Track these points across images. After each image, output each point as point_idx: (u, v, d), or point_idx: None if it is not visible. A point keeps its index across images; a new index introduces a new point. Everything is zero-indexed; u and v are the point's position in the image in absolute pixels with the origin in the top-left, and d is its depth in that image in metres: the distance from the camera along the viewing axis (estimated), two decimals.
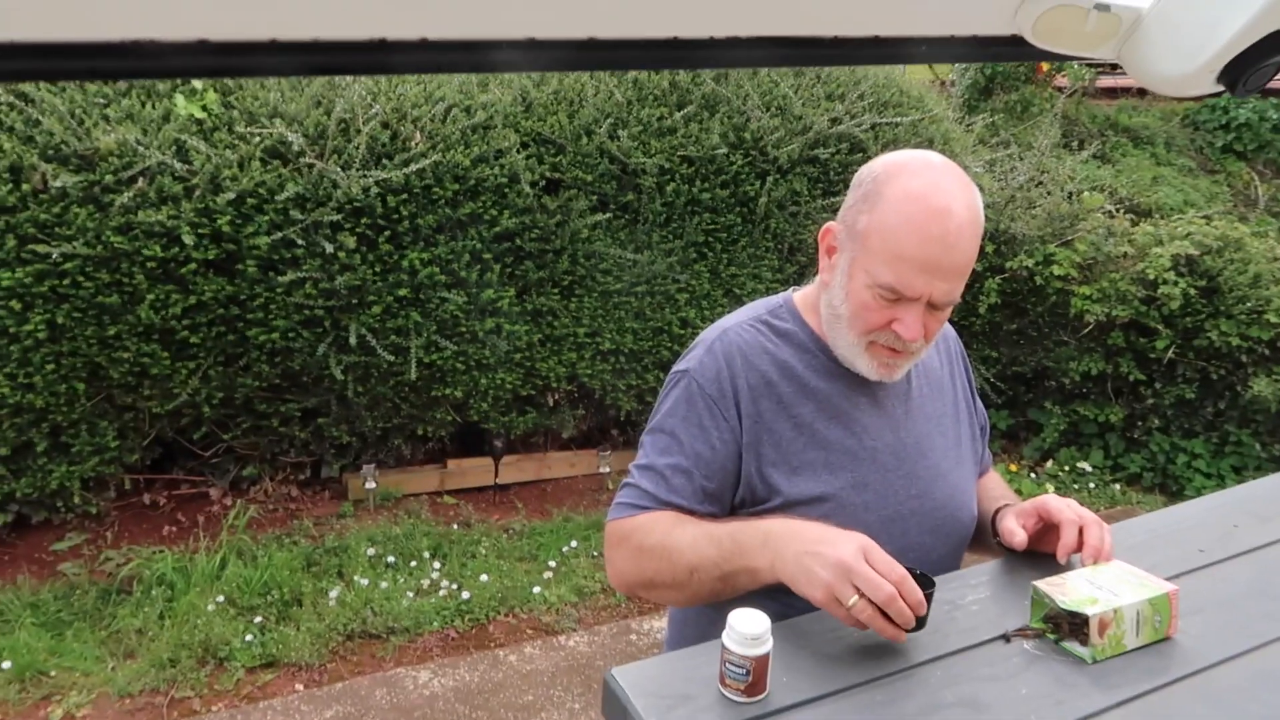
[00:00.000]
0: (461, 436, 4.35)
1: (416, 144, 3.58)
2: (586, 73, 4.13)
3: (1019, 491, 4.53)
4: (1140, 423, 4.84)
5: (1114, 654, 1.16)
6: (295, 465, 4.09)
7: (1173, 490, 4.66)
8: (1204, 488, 4.55)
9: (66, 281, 3.14)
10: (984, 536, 1.49)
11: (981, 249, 4.92)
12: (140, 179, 3.22)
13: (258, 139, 3.39)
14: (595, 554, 3.82)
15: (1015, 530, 1.35)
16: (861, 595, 1.10)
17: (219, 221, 3.26)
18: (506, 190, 3.73)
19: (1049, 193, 5.06)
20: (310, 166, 3.42)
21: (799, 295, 1.45)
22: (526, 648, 3.21)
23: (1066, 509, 1.33)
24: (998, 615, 1.24)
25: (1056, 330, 4.86)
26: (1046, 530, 1.36)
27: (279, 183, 3.35)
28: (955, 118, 5.53)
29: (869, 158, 4.73)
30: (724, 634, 1.05)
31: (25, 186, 3.07)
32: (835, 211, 1.36)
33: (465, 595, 3.44)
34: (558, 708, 2.91)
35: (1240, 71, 0.64)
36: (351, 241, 3.44)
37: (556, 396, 4.34)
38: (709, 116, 4.17)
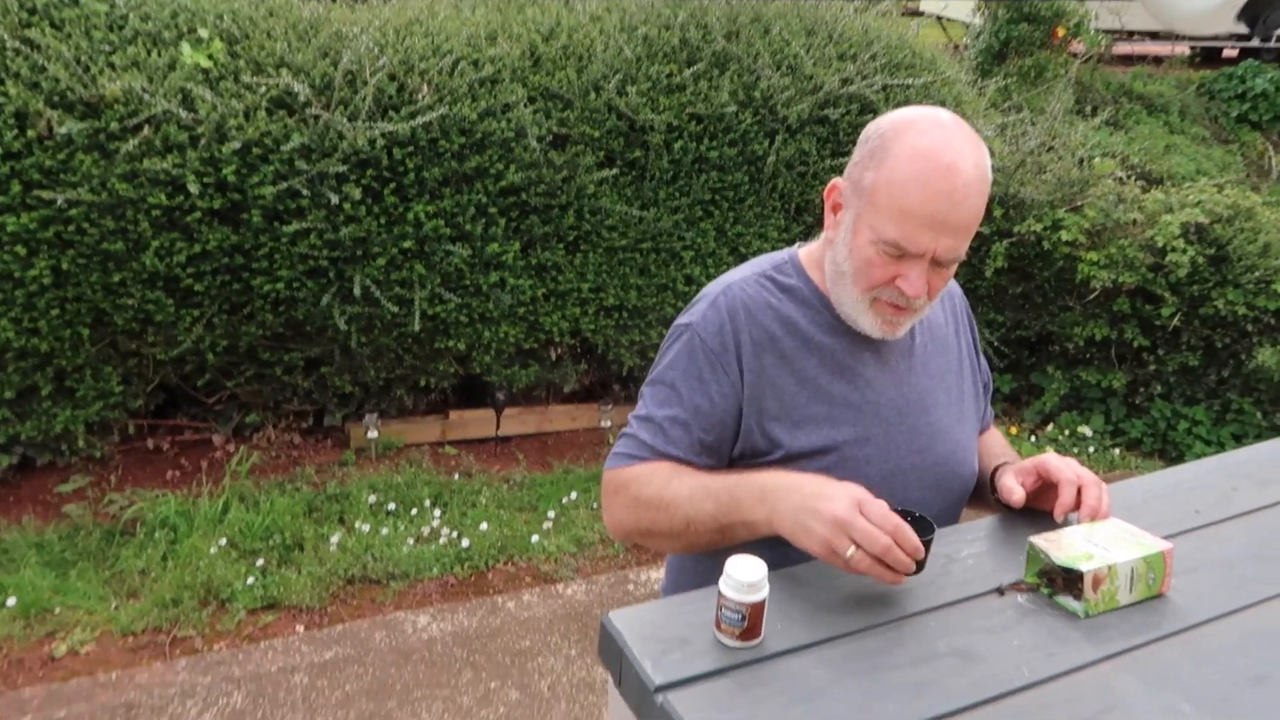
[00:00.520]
0: (464, 388, 4.37)
1: (423, 97, 3.55)
2: (596, 28, 4.08)
3: (1018, 454, 4.55)
4: (1142, 389, 4.84)
5: (1106, 609, 1.17)
6: (298, 413, 4.11)
7: (1172, 456, 4.67)
8: (1204, 454, 4.55)
9: (71, 228, 3.14)
10: (983, 493, 1.50)
11: (990, 213, 4.88)
12: (146, 127, 3.20)
13: (264, 89, 3.36)
14: (595, 506, 3.85)
15: (1014, 488, 1.36)
16: (858, 547, 1.11)
17: (224, 171, 3.24)
18: (513, 145, 3.71)
19: (1060, 158, 5.02)
20: (316, 118, 3.39)
21: (804, 251, 1.45)
22: (525, 595, 3.25)
23: (1065, 468, 1.34)
24: (993, 570, 1.25)
25: (1062, 295, 4.85)
26: (1045, 489, 1.37)
27: (285, 133, 3.32)
28: (968, 81, 5.47)
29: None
30: (721, 580, 1.07)
31: (30, 132, 3.05)
32: (843, 171, 1.36)
33: (465, 543, 3.47)
34: (555, 653, 2.95)
35: (1260, 9, 0.62)
36: (357, 193, 3.42)
37: (559, 351, 4.34)
38: (719, 74, 4.12)
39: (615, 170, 3.94)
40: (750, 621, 1.06)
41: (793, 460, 1.32)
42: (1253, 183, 8.64)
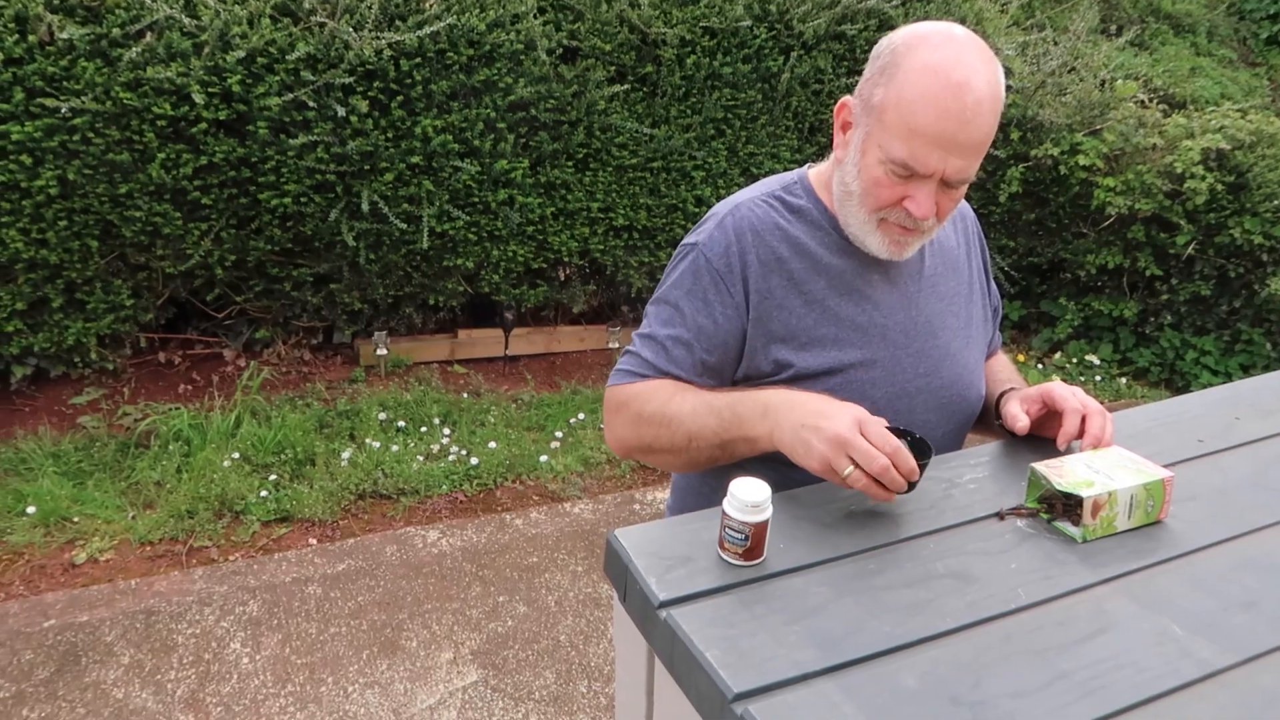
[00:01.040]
0: (472, 307, 4.37)
1: (430, 5, 3.47)
2: None
3: (1026, 380, 4.56)
4: (1153, 318, 4.82)
5: (1104, 535, 1.19)
6: (307, 330, 4.13)
7: (1179, 386, 4.68)
8: (1211, 384, 4.57)
9: (76, 137, 3.11)
10: (987, 418, 1.50)
11: (1006, 135, 4.79)
12: (148, 33, 3.15)
13: None
14: (602, 426, 3.88)
15: (1019, 415, 1.37)
16: (856, 466, 1.12)
17: (229, 80, 3.20)
18: (522, 57, 3.63)
19: (1081, 79, 4.90)
20: (321, 26, 3.32)
21: (814, 172, 1.43)
22: (532, 513, 3.31)
23: (1071, 397, 1.34)
24: (994, 494, 1.26)
25: (1076, 222, 4.79)
26: (1050, 416, 1.37)
27: (289, 42, 3.26)
28: None
29: None
30: (725, 500, 1.08)
31: (31, 38, 3.00)
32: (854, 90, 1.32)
33: (474, 461, 3.52)
34: (561, 570, 3.02)
35: None
36: (364, 105, 3.37)
37: (568, 271, 4.33)
38: None
39: (626, 86, 3.87)
40: (753, 541, 1.08)
41: (800, 380, 1.33)
42: (1278, 108, 8.44)
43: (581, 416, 3.92)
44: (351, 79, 3.33)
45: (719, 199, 1.45)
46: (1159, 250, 4.61)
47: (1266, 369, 4.63)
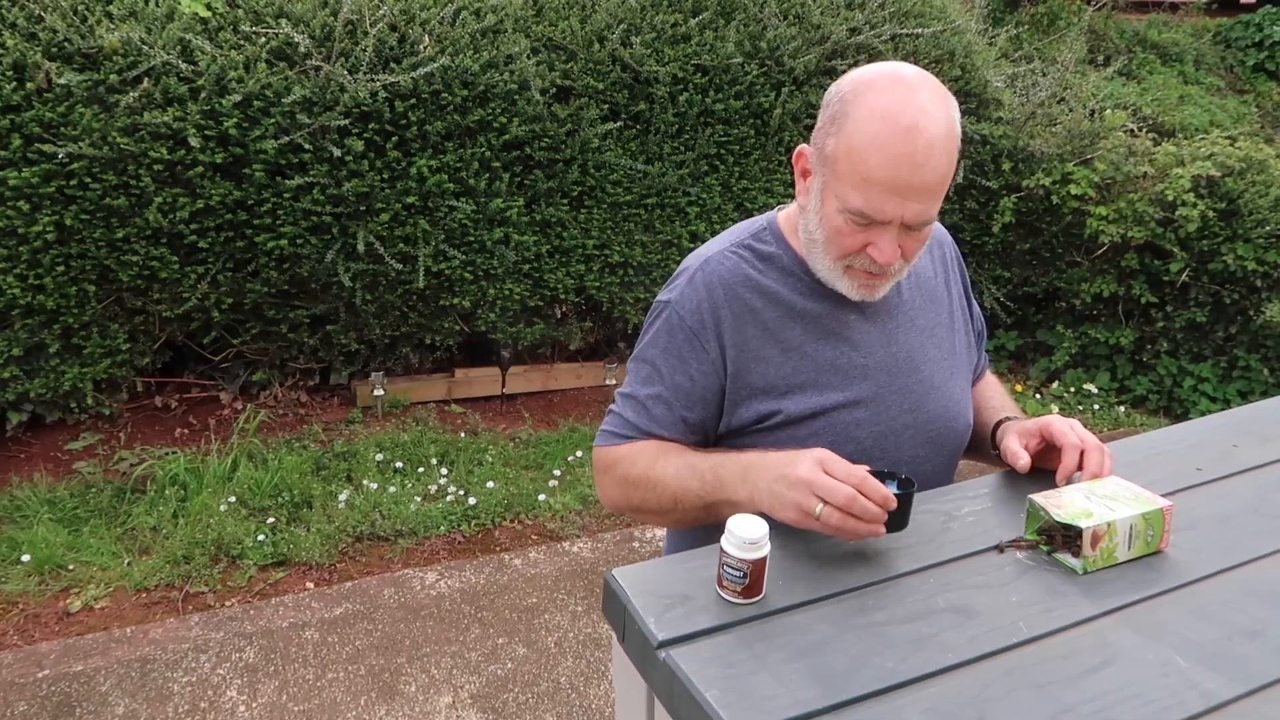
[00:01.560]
0: (469, 346, 4.38)
1: (425, 48, 3.51)
2: None
3: (1023, 410, 4.55)
4: (1149, 346, 4.83)
5: (1105, 566, 1.18)
6: (304, 371, 4.13)
7: (1177, 413, 4.67)
8: (1209, 411, 4.56)
9: (74, 183, 3.13)
10: (981, 446, 1.49)
11: (998, 166, 4.81)
12: (145, 79, 3.18)
13: (263, 40, 3.33)
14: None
15: (1020, 453, 1.35)
16: (826, 503, 1.12)
17: (225, 124, 3.22)
18: (516, 97, 3.67)
19: (1070, 110, 4.95)
20: (317, 69, 3.36)
21: (783, 215, 1.42)
22: (531, 552, 3.28)
23: (1069, 431, 1.33)
24: (993, 527, 1.25)
25: (1070, 251, 4.82)
26: (1048, 449, 1.36)
27: (285, 85, 3.29)
28: (978, 29, 5.38)
29: None
30: (723, 538, 1.07)
31: (29, 85, 3.03)
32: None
33: (472, 501, 3.50)
34: (561, 610, 2.99)
35: None
36: (359, 146, 3.40)
37: (564, 308, 4.34)
38: (724, 24, 4.06)
39: (619, 124, 3.91)
40: (752, 578, 1.07)
41: (787, 426, 1.32)
42: (1267, 134, 8.52)
43: (579, 454, 3.91)
44: (347, 121, 3.36)
45: (713, 234, 1.46)
46: (1153, 278, 4.63)
47: (1264, 395, 4.63)
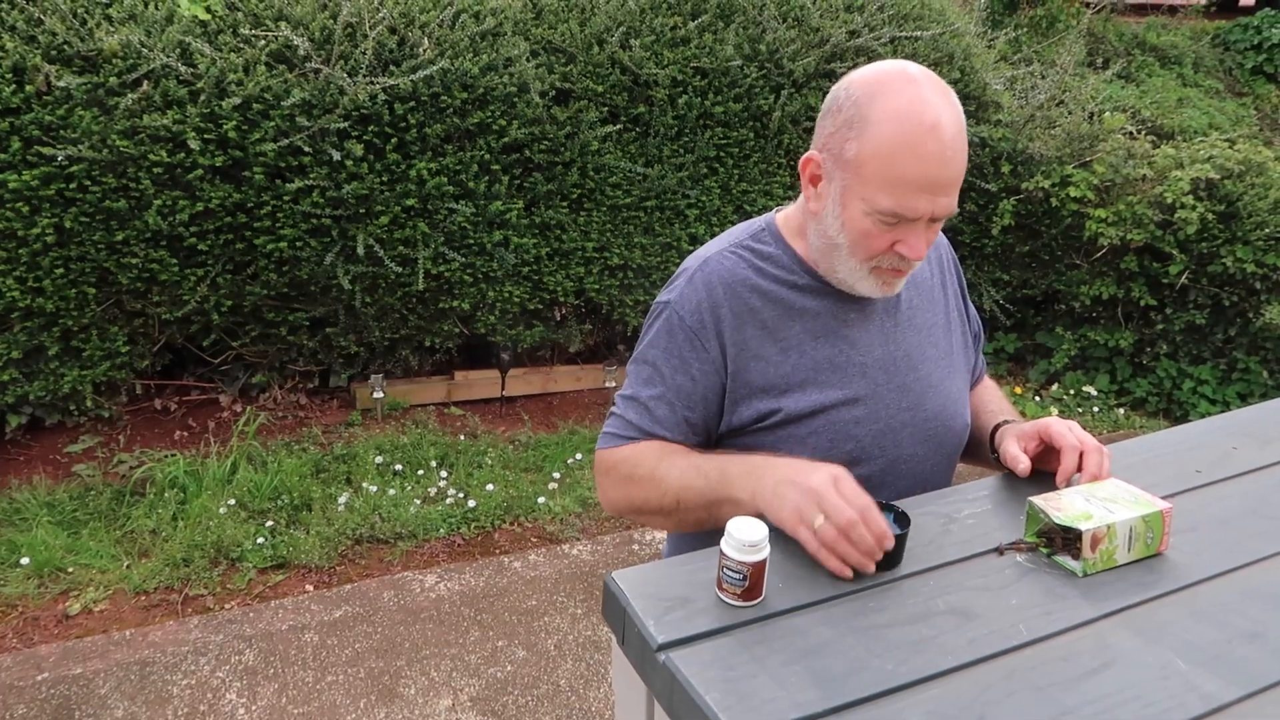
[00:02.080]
0: (469, 349, 4.38)
1: (424, 50, 3.51)
2: None
3: (1023, 413, 4.55)
4: (1149, 348, 4.83)
5: (1105, 568, 1.18)
6: (304, 374, 4.12)
7: (1177, 416, 4.68)
8: (1209, 414, 4.56)
9: (73, 185, 3.13)
10: (980, 450, 1.50)
11: (998, 169, 4.81)
12: (145, 82, 3.18)
13: (263, 43, 3.33)
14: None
15: (1019, 457, 1.35)
16: (827, 519, 1.12)
17: (225, 127, 3.22)
18: (516, 100, 3.67)
19: (1070, 112, 4.95)
20: (316, 72, 3.36)
21: (781, 216, 1.43)
22: (531, 555, 3.28)
23: (1068, 433, 1.33)
24: (993, 529, 1.25)
25: (1069, 253, 4.82)
26: (1047, 451, 1.37)
27: (285, 88, 3.30)
28: (977, 32, 5.38)
29: None
30: (723, 540, 1.07)
31: (29, 88, 3.03)
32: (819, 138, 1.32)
33: (471, 504, 3.50)
34: (560, 612, 2.99)
35: None
36: (359, 149, 3.40)
37: (564, 311, 4.34)
38: (723, 27, 4.07)
39: (619, 126, 3.91)
40: (751, 581, 1.07)
41: (787, 425, 1.33)
42: (1266, 136, 8.53)
43: (579, 456, 3.91)
44: (346, 123, 3.36)
45: (713, 236, 1.47)
46: (1152, 280, 4.63)
47: (1264, 397, 4.63)
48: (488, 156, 3.68)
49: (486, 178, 3.72)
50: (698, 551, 1.18)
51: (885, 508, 1.19)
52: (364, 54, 3.39)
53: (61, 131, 3.08)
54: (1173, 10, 10.85)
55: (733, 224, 1.53)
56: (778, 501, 1.17)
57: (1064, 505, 1.21)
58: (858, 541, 1.12)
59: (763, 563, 1.07)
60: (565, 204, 3.96)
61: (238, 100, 3.21)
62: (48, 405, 3.55)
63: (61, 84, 3.03)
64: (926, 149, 1.18)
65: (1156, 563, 1.20)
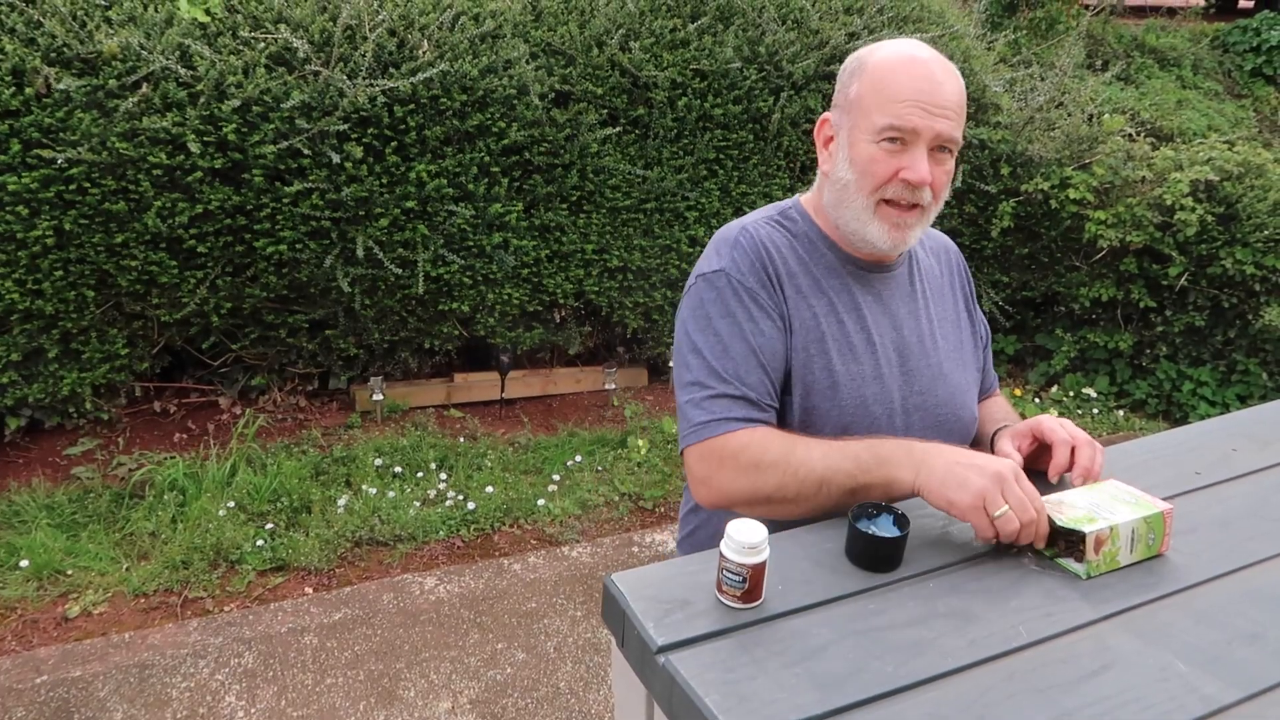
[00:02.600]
0: (468, 351, 4.37)
1: (424, 53, 3.51)
2: None
3: (1022, 415, 4.55)
4: (1148, 350, 4.83)
5: (1108, 570, 1.18)
6: (303, 376, 4.12)
7: (1176, 417, 4.67)
8: (1208, 415, 4.56)
9: (72, 187, 3.13)
10: None
11: (997, 170, 4.79)
12: (144, 84, 3.18)
13: (262, 45, 3.33)
14: (600, 468, 3.87)
15: (1010, 452, 1.38)
16: (1011, 510, 1.15)
17: (224, 129, 3.22)
18: (515, 102, 3.67)
19: (1069, 114, 4.95)
20: (316, 74, 3.36)
21: (804, 198, 1.50)
22: (530, 557, 3.28)
23: (1060, 429, 1.36)
24: None
25: (1069, 255, 4.82)
26: (1041, 450, 1.39)
27: (284, 90, 3.29)
28: (977, 34, 5.39)
29: None
30: (722, 543, 1.07)
31: (28, 90, 3.03)
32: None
33: (471, 506, 3.49)
34: (560, 615, 2.99)
35: None
36: (358, 152, 3.40)
37: (563, 313, 4.34)
38: (723, 29, 4.07)
39: (618, 129, 3.91)
40: (751, 583, 1.07)
41: (814, 393, 1.37)
42: (1265, 138, 8.53)
43: (579, 459, 3.90)
44: (346, 126, 3.36)
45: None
46: (1152, 282, 4.63)
47: (1264, 399, 4.63)
48: (487, 159, 3.69)
49: (486, 180, 3.72)
50: (697, 554, 1.18)
51: (884, 509, 1.19)
52: (363, 56, 3.39)
53: (61, 134, 3.08)
54: (1171, 12, 10.86)
55: None
56: (955, 482, 1.18)
57: (1066, 508, 1.21)
58: (1031, 536, 1.16)
59: (762, 565, 1.07)
60: (565, 206, 3.96)
61: (237, 102, 3.21)
62: (47, 408, 3.55)
63: (61, 86, 3.03)
64: (917, 72, 1.30)
65: (1157, 564, 1.20)
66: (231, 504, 3.33)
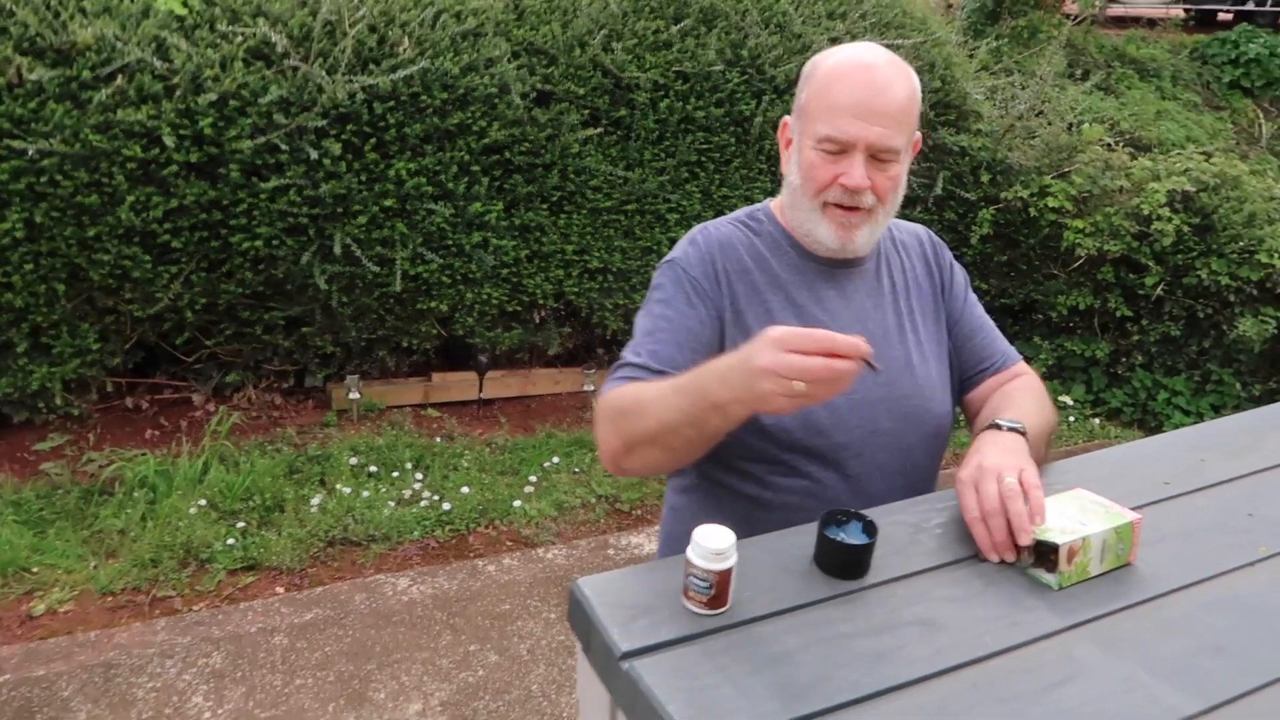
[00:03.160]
0: (446, 350, 4.35)
1: (404, 50, 3.49)
2: None
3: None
4: (1124, 359, 4.86)
5: (1079, 580, 1.17)
6: (279, 373, 4.08)
7: (1151, 426, 4.71)
8: (1182, 424, 4.58)
9: (44, 179, 3.08)
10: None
11: (977, 178, 4.80)
12: (119, 76, 3.14)
13: (240, 39, 3.30)
14: (577, 470, 3.86)
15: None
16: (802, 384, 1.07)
17: (201, 123, 3.19)
18: (496, 101, 3.65)
19: (1049, 123, 4.99)
20: (295, 69, 3.33)
21: (774, 201, 1.54)
22: (505, 559, 3.26)
23: (973, 505, 1.23)
24: (962, 539, 1.25)
25: (1047, 263, 4.85)
26: None
27: (262, 85, 3.26)
28: (959, 42, 5.41)
29: None
30: (689, 548, 1.06)
31: (0, 80, 2.99)
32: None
33: (446, 506, 3.47)
34: (534, 617, 2.97)
35: None
36: (337, 148, 3.37)
37: (543, 313, 4.32)
38: (706, 32, 4.07)
39: (600, 129, 3.90)
40: (717, 589, 1.06)
41: None
42: (1242, 150, 8.62)
43: (556, 460, 3.89)
44: (324, 122, 3.34)
45: None
46: (1129, 291, 4.66)
47: (1237, 409, 4.67)
48: (467, 157, 3.66)
49: (466, 179, 3.69)
50: (664, 559, 1.17)
51: (854, 515, 1.19)
52: (343, 52, 3.36)
53: (33, 125, 3.03)
54: (1152, 23, 10.96)
55: None
56: (752, 395, 1.11)
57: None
58: (843, 373, 1.06)
59: (729, 571, 1.06)
60: (545, 206, 3.94)
61: (214, 96, 3.18)
62: (16, 402, 3.50)
63: (33, 77, 2.98)
64: (857, 79, 1.32)
65: (1123, 574, 1.20)
66: (203, 502, 3.29)
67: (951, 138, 4.64)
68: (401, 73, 3.40)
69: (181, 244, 3.37)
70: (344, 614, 2.91)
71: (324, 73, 3.33)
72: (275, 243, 3.48)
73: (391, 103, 3.45)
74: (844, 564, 1.16)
